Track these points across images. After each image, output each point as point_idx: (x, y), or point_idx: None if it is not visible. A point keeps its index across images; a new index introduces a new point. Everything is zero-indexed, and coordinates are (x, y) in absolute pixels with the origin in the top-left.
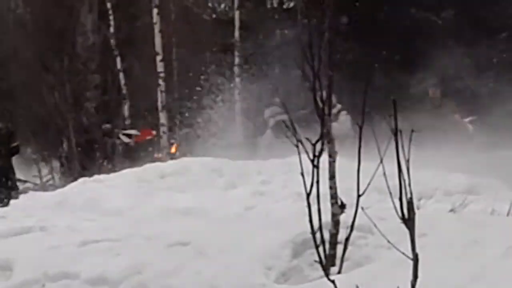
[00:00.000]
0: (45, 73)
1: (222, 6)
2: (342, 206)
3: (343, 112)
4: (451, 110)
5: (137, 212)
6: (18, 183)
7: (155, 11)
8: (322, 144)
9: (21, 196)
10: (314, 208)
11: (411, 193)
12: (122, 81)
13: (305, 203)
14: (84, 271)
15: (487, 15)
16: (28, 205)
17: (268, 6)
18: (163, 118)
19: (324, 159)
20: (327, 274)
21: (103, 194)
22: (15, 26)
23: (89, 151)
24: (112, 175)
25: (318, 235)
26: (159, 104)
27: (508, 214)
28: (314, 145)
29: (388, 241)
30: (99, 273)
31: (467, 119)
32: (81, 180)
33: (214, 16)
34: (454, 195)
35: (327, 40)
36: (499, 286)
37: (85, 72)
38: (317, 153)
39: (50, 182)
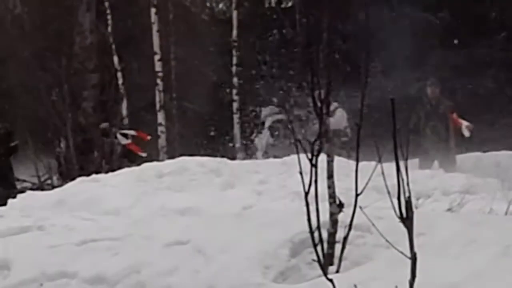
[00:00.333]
0: (43, 72)
1: (220, 5)
2: (340, 205)
3: (339, 109)
4: (449, 109)
5: (135, 212)
6: (16, 183)
7: (153, 10)
8: (321, 143)
9: (19, 196)
10: (312, 207)
11: (409, 193)
12: (120, 81)
13: (303, 202)
14: (82, 270)
15: (485, 15)
16: (26, 204)
17: (266, 5)
18: (160, 117)
19: (322, 158)
20: (325, 273)
21: (101, 194)
22: (13, 25)
23: (87, 150)
24: (110, 174)
25: (316, 234)
26: (157, 104)
27: (506, 214)
28: (312, 144)
29: (386, 240)
30: (97, 272)
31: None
32: (79, 179)
33: (212, 15)
34: (452, 195)
35: (326, 39)
36: (497, 285)
37: (83, 72)
38: (315, 152)
39: (48, 181)
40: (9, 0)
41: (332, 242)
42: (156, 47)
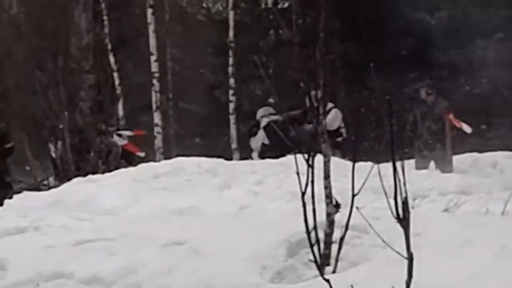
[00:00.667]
0: (39, 72)
1: (217, 6)
2: (337, 206)
3: (334, 110)
4: (445, 110)
5: (131, 212)
6: (12, 183)
7: (149, 11)
8: (317, 143)
9: (16, 196)
10: (309, 207)
11: (406, 193)
12: (117, 81)
13: (300, 203)
14: (79, 270)
15: (481, 16)
16: (22, 205)
17: (263, 6)
18: (157, 118)
19: (319, 158)
20: (322, 274)
21: (97, 194)
22: (9, 26)
23: (84, 151)
24: (106, 175)
25: (313, 234)
26: (153, 104)
27: (502, 214)
28: (309, 144)
29: (383, 241)
30: (94, 273)
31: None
32: (75, 180)
33: (208, 16)
34: (449, 195)
35: (322, 40)
36: (493, 285)
37: (80, 72)
38: (312, 153)
39: (45, 182)
40: (5, 0)
41: (328, 242)
42: (153, 47)
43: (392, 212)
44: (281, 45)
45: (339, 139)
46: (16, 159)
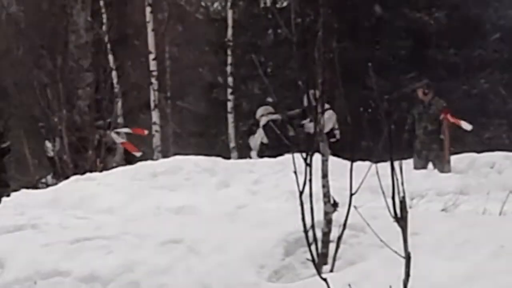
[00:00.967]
0: (37, 71)
1: (215, 5)
2: (335, 205)
3: (328, 111)
4: (442, 110)
5: (129, 210)
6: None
7: (148, 9)
8: (315, 142)
9: (13, 194)
10: (306, 206)
11: (403, 192)
12: (115, 80)
13: (298, 202)
14: (76, 269)
15: (479, 16)
16: (20, 203)
17: (261, 5)
18: (155, 116)
19: (317, 157)
20: (319, 273)
21: (95, 192)
22: (8, 24)
23: (82, 149)
24: (104, 173)
25: (310, 233)
26: (152, 103)
27: (500, 214)
28: (307, 143)
29: (381, 240)
30: (91, 271)
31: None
32: (73, 178)
33: (207, 15)
34: (446, 195)
35: (320, 39)
36: (491, 285)
37: (78, 70)
38: (310, 152)
39: (42, 180)
40: None
41: (326, 241)
42: (151, 46)
43: (390, 211)
44: (279, 44)
45: (333, 140)
46: (14, 157)
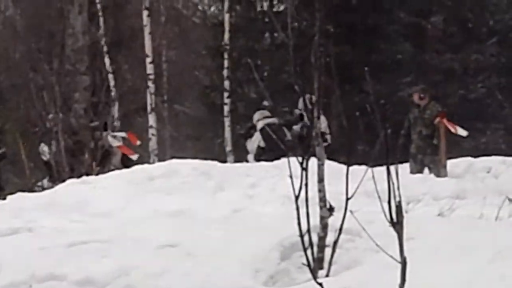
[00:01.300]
0: (34, 74)
1: (212, 9)
2: (331, 209)
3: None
4: (438, 114)
5: (125, 214)
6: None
7: (145, 13)
8: (311, 146)
9: (9, 197)
10: (302, 211)
11: (399, 197)
12: (112, 83)
13: (294, 206)
14: (72, 272)
15: (476, 21)
16: (16, 206)
17: (258, 9)
18: (152, 120)
19: (314, 162)
20: (315, 277)
21: (91, 196)
22: (4, 27)
23: (78, 152)
24: (100, 176)
25: (306, 238)
26: (148, 106)
27: (496, 219)
28: (303, 148)
29: (377, 245)
30: (87, 275)
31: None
32: (69, 181)
33: (204, 18)
34: (443, 200)
35: (317, 43)
36: None
37: (75, 74)
38: (306, 156)
39: (39, 183)
40: (1, 1)
41: (322, 246)
42: (148, 49)
43: (385, 216)
44: (276, 48)
45: (324, 144)
46: (10, 160)
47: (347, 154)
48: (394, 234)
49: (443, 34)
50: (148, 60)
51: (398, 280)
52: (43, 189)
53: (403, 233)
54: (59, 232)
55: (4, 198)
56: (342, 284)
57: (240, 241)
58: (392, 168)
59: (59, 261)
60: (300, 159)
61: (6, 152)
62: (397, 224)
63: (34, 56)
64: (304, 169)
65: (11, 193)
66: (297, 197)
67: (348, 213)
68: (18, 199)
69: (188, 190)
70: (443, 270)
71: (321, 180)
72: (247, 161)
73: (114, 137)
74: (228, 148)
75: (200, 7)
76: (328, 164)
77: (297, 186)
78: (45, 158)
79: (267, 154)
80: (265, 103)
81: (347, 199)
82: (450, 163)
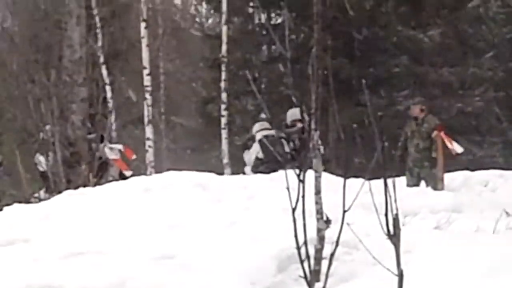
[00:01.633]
0: (31, 85)
1: (210, 21)
2: (328, 222)
3: None
4: (435, 128)
5: (121, 225)
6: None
7: (142, 25)
8: (308, 158)
9: (5, 208)
10: (299, 223)
11: (396, 210)
12: (109, 94)
13: (291, 218)
14: (68, 283)
15: (473, 35)
16: (12, 217)
17: (256, 21)
18: (149, 132)
19: (311, 174)
20: None
21: (88, 207)
22: (2, 38)
23: (75, 164)
24: (97, 188)
25: (303, 250)
26: (145, 118)
27: (493, 232)
28: (300, 159)
29: (373, 257)
30: (82, 286)
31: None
32: (66, 193)
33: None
34: (440, 213)
35: (314, 56)
36: None
37: (72, 85)
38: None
39: (35, 194)
40: None
41: (319, 258)
42: (145, 61)
43: (383, 228)
44: (273, 60)
45: None
46: (7, 171)
47: (344, 167)
48: (391, 246)
49: (440, 47)
50: (146, 72)
51: None
52: (40, 200)
53: (400, 246)
54: (55, 243)
55: (1, 209)
56: None
57: (237, 253)
58: (389, 181)
59: (55, 272)
60: (297, 171)
61: (2, 162)
62: (394, 237)
63: (31, 67)
64: (301, 181)
65: (8, 204)
66: (294, 209)
67: (345, 226)
68: (15, 211)
69: (184, 202)
70: (440, 282)
71: (318, 192)
72: (244, 173)
73: (111, 149)
74: (225, 160)
75: (197, 19)
76: (325, 177)
77: (294, 198)
78: (41, 169)
79: (265, 166)
80: (263, 115)
81: (344, 211)
82: (447, 176)
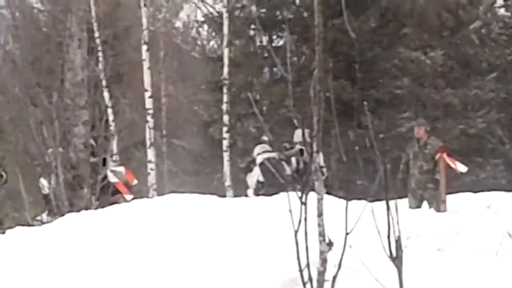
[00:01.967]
0: (33, 108)
1: (211, 43)
2: (330, 244)
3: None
4: (438, 149)
5: (123, 249)
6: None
7: (144, 47)
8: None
9: (8, 232)
10: (302, 245)
11: (399, 232)
12: (111, 117)
13: (293, 240)
14: None
15: (475, 56)
16: (14, 239)
17: (257, 43)
18: (151, 154)
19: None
20: None
21: (90, 230)
22: (4, 61)
23: (77, 186)
24: (99, 210)
25: (305, 272)
26: (147, 141)
27: (496, 254)
28: (302, 181)
29: (376, 280)
30: None
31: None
32: (68, 215)
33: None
34: (442, 235)
35: (316, 78)
36: None
37: (74, 108)
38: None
39: (38, 217)
40: (0, 36)
41: (321, 280)
42: (147, 84)
43: (385, 251)
44: (275, 82)
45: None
46: (9, 195)
47: (346, 189)
48: (394, 269)
49: (442, 69)
50: (147, 94)
51: None
52: (42, 223)
53: (402, 268)
54: (58, 266)
55: (3, 232)
56: None
57: (239, 275)
58: (391, 203)
59: None
60: (299, 193)
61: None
62: (396, 259)
63: (33, 90)
64: (303, 203)
65: (10, 227)
66: (296, 232)
67: (347, 248)
68: (17, 233)
69: (186, 225)
70: None
71: (320, 214)
72: (246, 195)
73: (113, 172)
74: (227, 182)
75: (199, 42)
76: (327, 199)
77: (296, 221)
78: (44, 192)
79: (266, 188)
80: (264, 137)
81: (346, 233)
82: (449, 198)
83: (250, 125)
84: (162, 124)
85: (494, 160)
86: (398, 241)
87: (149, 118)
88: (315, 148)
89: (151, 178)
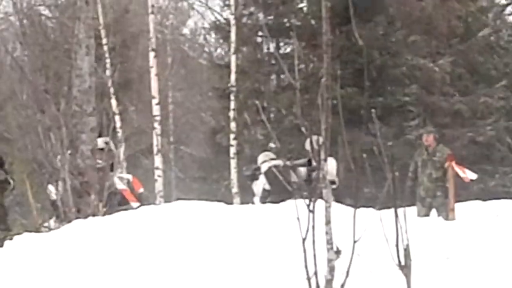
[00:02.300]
0: (41, 115)
1: (219, 50)
2: (338, 252)
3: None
4: (447, 157)
5: (130, 255)
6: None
7: (151, 54)
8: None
9: (15, 238)
10: (309, 253)
11: (407, 240)
12: (118, 124)
13: (301, 248)
14: None
15: (484, 64)
16: (22, 245)
17: (265, 51)
18: (158, 161)
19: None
20: None
21: (97, 237)
22: (12, 68)
23: (84, 193)
24: (106, 217)
25: (313, 280)
26: (155, 148)
27: (506, 263)
28: (310, 189)
29: None
30: None
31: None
32: (75, 222)
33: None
34: (451, 243)
35: (324, 85)
36: None
37: (81, 115)
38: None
39: (45, 224)
40: (9, 43)
41: None
42: (155, 91)
43: (393, 259)
44: (282, 90)
45: (333, 186)
46: (17, 200)
47: (354, 197)
48: (402, 277)
49: (451, 76)
50: (155, 101)
51: None
52: (50, 229)
53: (410, 277)
54: (65, 272)
55: (11, 239)
56: None
57: (247, 283)
58: (399, 211)
59: None
60: (307, 201)
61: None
62: (405, 268)
63: (41, 97)
64: (311, 211)
65: (18, 233)
66: (304, 240)
67: (355, 256)
68: (25, 239)
69: (193, 232)
70: None
71: (328, 222)
72: (253, 203)
73: (121, 178)
74: (235, 190)
75: (206, 49)
76: (335, 206)
77: (304, 228)
78: (52, 198)
79: (272, 196)
80: (272, 144)
81: (354, 241)
82: (458, 206)
83: (258, 133)
84: (170, 131)
85: (503, 168)
86: (406, 250)
87: (156, 125)
88: (322, 156)
89: (158, 185)
